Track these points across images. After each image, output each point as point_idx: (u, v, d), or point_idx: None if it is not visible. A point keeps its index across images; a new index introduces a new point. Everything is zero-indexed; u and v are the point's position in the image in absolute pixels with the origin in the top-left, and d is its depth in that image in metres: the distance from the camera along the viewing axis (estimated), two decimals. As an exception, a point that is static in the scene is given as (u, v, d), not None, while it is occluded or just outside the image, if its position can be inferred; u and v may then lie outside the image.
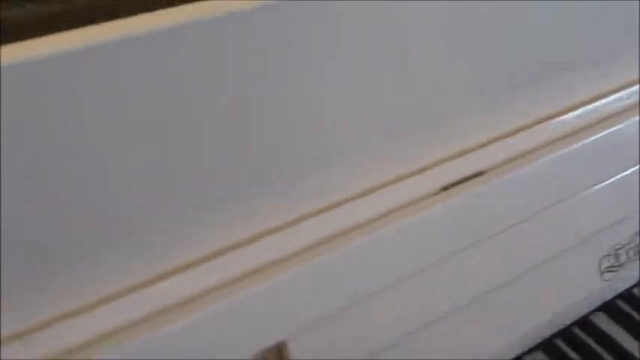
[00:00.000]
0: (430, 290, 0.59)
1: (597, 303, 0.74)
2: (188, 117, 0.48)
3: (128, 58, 0.44)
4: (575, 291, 0.69)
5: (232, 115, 0.50)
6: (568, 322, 0.72)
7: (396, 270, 0.57)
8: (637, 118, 0.68)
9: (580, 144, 0.65)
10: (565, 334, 0.72)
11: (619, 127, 0.66)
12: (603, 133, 0.65)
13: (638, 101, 0.69)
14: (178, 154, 0.49)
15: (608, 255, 0.70)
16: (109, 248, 0.49)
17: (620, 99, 0.68)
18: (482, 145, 0.62)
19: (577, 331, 0.73)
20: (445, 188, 0.60)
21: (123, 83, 0.44)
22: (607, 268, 0.70)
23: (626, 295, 0.75)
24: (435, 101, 0.59)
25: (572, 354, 0.71)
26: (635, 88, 0.69)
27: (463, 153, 0.62)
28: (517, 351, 0.69)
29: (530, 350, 0.70)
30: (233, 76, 0.48)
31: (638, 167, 0.69)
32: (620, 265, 0.71)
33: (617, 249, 0.70)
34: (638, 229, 0.71)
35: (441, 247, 0.59)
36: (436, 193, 0.60)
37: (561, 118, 0.65)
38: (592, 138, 0.65)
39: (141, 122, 0.46)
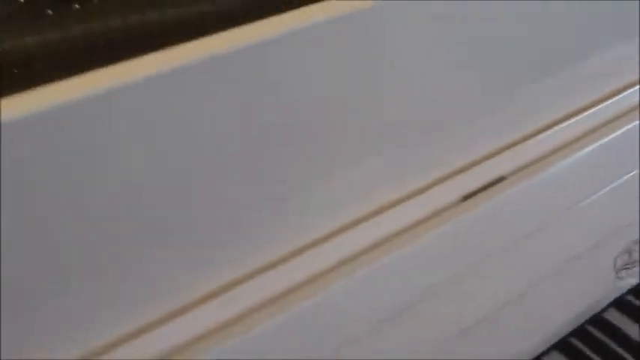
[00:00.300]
0: (460, 299, 0.59)
1: (609, 300, 0.74)
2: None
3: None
4: (592, 291, 0.69)
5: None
6: (582, 321, 0.72)
7: (424, 282, 0.56)
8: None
9: (596, 144, 0.64)
10: (579, 332, 0.72)
11: (634, 124, 0.66)
12: (620, 132, 0.65)
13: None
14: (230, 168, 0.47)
15: (623, 253, 0.70)
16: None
17: (634, 95, 0.68)
18: (501, 151, 0.61)
19: (591, 328, 0.73)
20: (466, 197, 0.59)
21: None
22: (622, 266, 0.70)
23: (637, 291, 0.75)
24: (450, 109, 0.58)
25: (588, 352, 0.71)
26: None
27: (482, 160, 0.60)
28: (535, 352, 0.69)
29: (547, 350, 0.70)
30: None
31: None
32: (634, 263, 0.71)
33: (631, 246, 0.70)
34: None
35: (467, 256, 0.58)
36: (458, 203, 0.58)
37: (576, 118, 0.65)
38: (609, 137, 0.64)
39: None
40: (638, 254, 0.70)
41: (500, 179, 0.61)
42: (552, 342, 0.70)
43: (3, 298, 0.41)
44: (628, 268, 0.71)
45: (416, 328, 0.57)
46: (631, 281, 0.73)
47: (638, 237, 0.70)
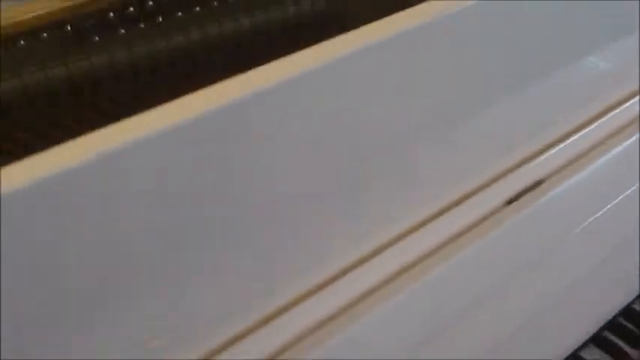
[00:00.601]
0: (507, 304, 0.60)
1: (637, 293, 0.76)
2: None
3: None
4: (622, 286, 0.71)
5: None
6: (614, 314, 0.74)
7: (475, 289, 0.57)
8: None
9: (621, 146, 0.65)
10: (611, 325, 0.74)
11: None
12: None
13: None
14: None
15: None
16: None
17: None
18: (539, 154, 0.62)
19: (621, 320, 0.75)
20: (510, 201, 0.60)
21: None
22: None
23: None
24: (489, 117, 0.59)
25: (620, 343, 0.73)
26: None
27: (522, 163, 0.62)
28: (573, 348, 0.70)
29: (583, 345, 0.72)
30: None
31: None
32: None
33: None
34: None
35: (514, 259, 0.59)
36: (503, 207, 0.59)
37: (602, 119, 0.66)
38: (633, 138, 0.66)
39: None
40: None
41: (539, 182, 0.62)
42: (588, 336, 0.71)
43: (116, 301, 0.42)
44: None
45: (471, 332, 0.58)
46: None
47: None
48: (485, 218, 0.58)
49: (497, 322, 0.60)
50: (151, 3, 0.53)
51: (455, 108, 0.56)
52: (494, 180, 0.60)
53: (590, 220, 0.64)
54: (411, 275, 0.54)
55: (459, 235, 0.57)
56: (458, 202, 0.58)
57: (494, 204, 0.59)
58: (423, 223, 0.56)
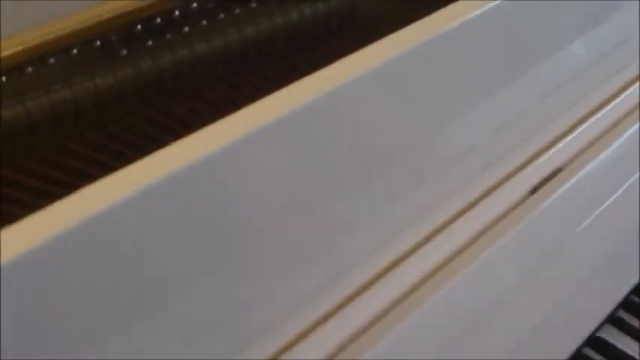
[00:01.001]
0: (536, 291, 0.61)
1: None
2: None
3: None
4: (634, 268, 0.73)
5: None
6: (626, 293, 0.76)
7: (504, 281, 0.58)
8: None
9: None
10: (625, 303, 0.76)
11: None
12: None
13: None
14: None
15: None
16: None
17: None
18: (556, 142, 0.64)
19: (635, 298, 0.77)
20: (534, 190, 0.61)
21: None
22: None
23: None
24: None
25: (633, 321, 0.75)
26: None
27: (540, 153, 0.63)
28: (590, 329, 0.72)
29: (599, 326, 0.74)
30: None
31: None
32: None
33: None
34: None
35: (542, 246, 0.61)
36: (528, 196, 0.61)
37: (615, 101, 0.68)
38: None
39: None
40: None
41: (558, 170, 0.63)
42: (604, 317, 0.73)
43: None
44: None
45: (506, 322, 0.59)
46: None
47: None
48: (513, 208, 0.59)
49: (528, 310, 0.61)
50: (177, 13, 0.53)
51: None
52: (518, 170, 0.61)
53: (607, 202, 0.66)
54: (449, 270, 0.55)
55: (493, 224, 0.58)
56: (486, 194, 0.59)
57: (520, 194, 0.61)
58: (454, 218, 0.57)
